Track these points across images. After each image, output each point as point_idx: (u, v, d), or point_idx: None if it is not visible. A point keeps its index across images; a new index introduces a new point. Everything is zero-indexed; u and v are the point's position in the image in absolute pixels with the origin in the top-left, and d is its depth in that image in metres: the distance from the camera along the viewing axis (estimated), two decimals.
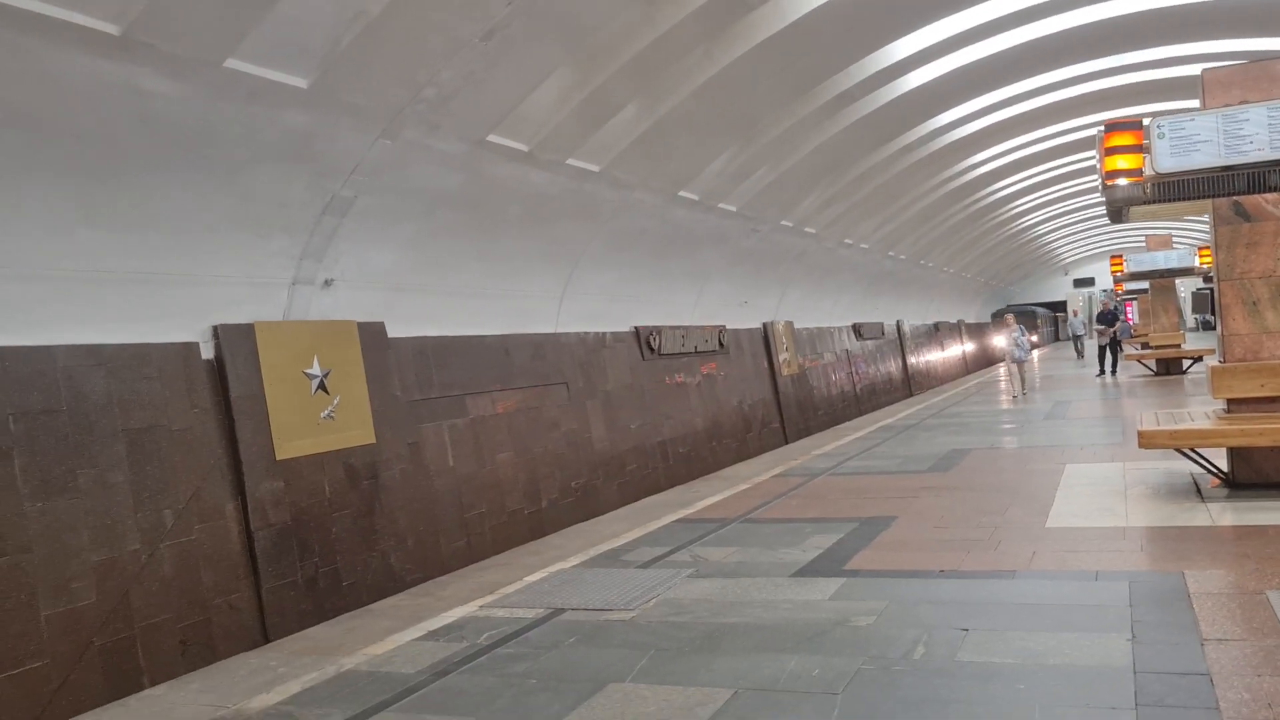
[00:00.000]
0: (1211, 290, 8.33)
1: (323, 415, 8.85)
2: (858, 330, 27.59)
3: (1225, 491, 8.24)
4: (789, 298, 21.94)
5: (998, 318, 47.91)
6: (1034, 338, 42.14)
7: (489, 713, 4.60)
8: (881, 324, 30.22)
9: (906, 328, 33.37)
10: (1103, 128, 7.48)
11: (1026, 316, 47.06)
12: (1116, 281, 27.48)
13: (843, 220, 21.07)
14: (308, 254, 8.81)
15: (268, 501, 8.23)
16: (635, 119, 11.46)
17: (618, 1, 9.14)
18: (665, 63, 10.63)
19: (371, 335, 9.62)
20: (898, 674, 4.63)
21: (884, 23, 12.52)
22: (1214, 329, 8.88)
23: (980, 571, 6.46)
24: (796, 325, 22.51)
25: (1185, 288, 52.25)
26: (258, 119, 7.46)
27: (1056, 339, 61.71)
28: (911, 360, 33.31)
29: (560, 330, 13.31)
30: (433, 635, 6.06)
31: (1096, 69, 17.21)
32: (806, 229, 19.77)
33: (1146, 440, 8.14)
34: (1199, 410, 9.13)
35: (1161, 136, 7.14)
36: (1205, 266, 21.73)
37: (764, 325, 20.78)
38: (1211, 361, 8.72)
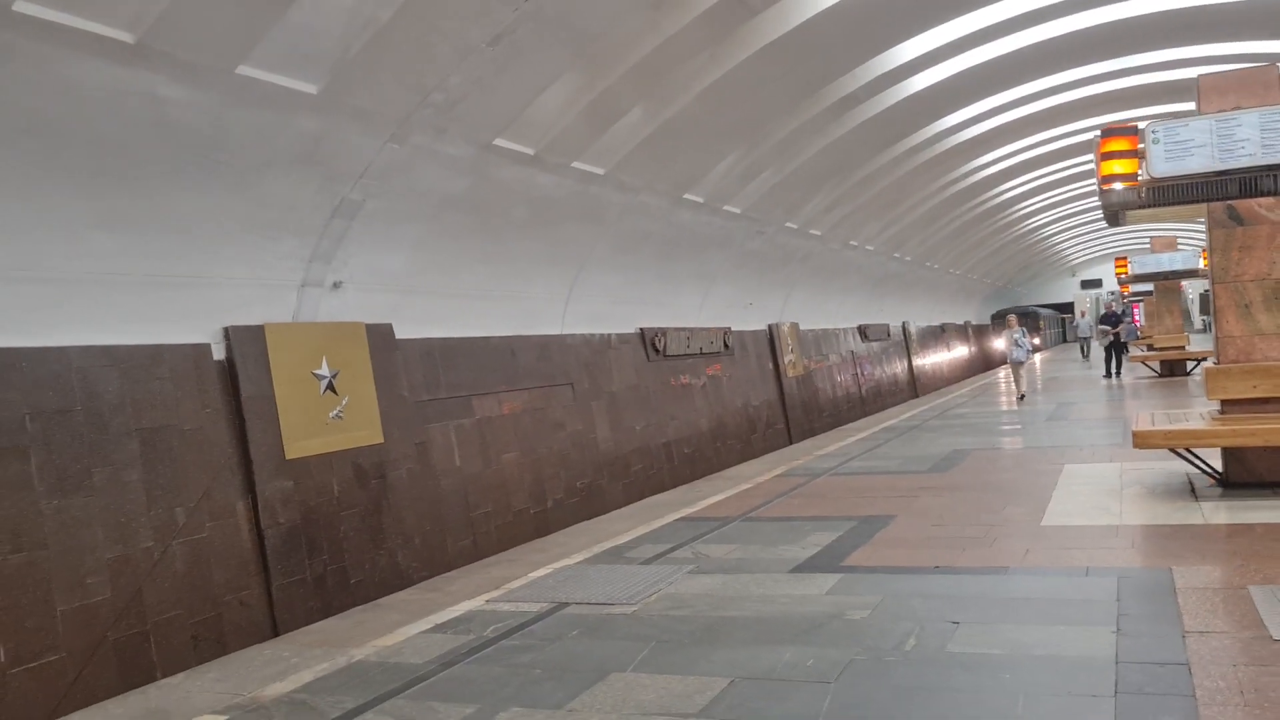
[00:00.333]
0: None
1: (331, 415, 8.99)
2: (863, 332, 27.68)
3: (1219, 491, 8.36)
4: (794, 299, 22.05)
5: (998, 319, 47.73)
6: (1036, 340, 41.97)
7: (495, 700, 4.75)
8: (887, 325, 30.29)
9: (913, 329, 33.43)
10: (1099, 133, 7.62)
11: (1028, 318, 46.93)
12: (1122, 284, 27.48)
13: (848, 222, 21.17)
14: (317, 256, 8.96)
15: (277, 500, 8.38)
16: (641, 122, 11.60)
17: (623, 7, 9.28)
18: (670, 67, 10.77)
19: (379, 336, 9.76)
20: (889, 664, 4.77)
21: (888, 26, 12.63)
22: None
23: (974, 567, 6.59)
24: (802, 327, 22.61)
25: (1193, 289, 52.15)
26: (269, 124, 7.62)
27: (1064, 340, 61.64)
28: (917, 362, 33.38)
29: (566, 332, 13.44)
30: (440, 628, 6.20)
31: (1102, 71, 17.30)
32: (812, 231, 19.89)
33: (1141, 440, 8.26)
34: (1195, 411, 9.25)
35: (1156, 141, 7.28)
36: (1208, 269, 21.74)
37: (769, 327, 20.89)
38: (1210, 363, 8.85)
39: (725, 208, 15.67)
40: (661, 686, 4.75)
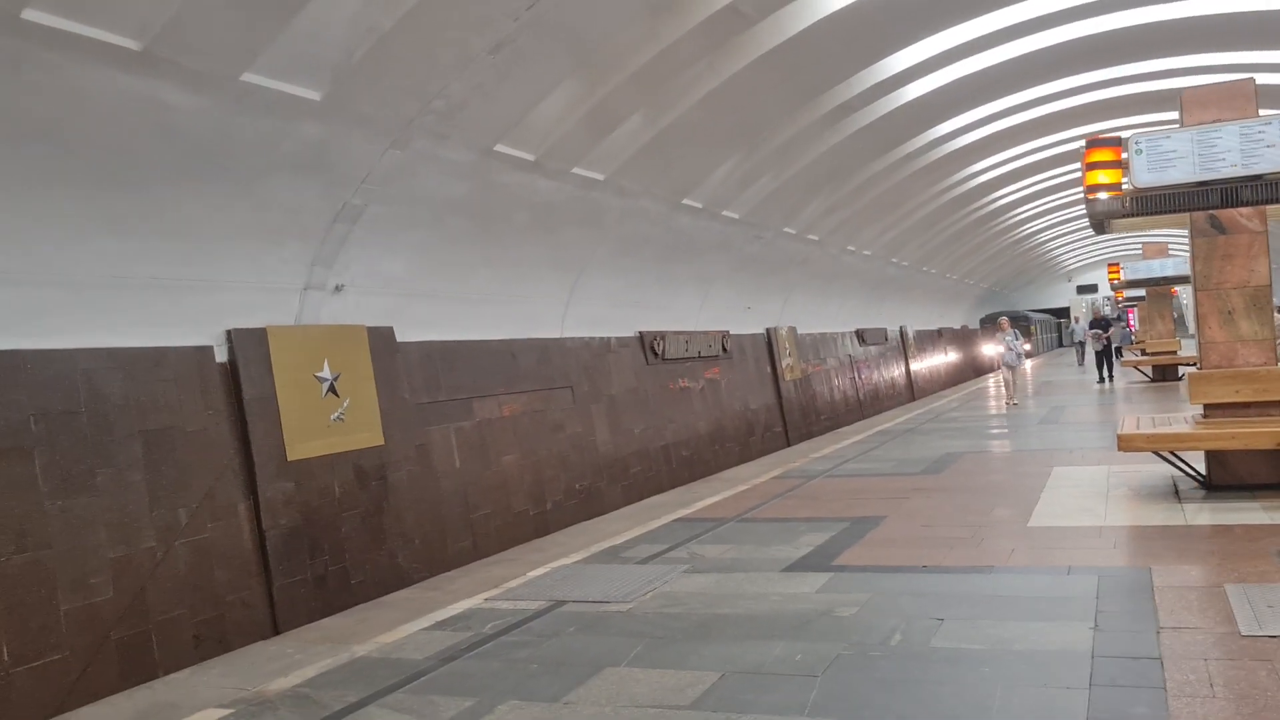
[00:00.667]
0: None
1: (333, 417, 9.08)
2: (861, 336, 27.79)
3: (1202, 493, 8.52)
4: (792, 303, 22.17)
5: (988, 324, 47.60)
6: (1026, 345, 42.02)
7: (494, 693, 4.91)
8: (885, 329, 30.40)
9: (910, 333, 33.56)
10: (1084, 143, 7.79)
11: (1018, 322, 46.81)
12: (1115, 289, 27.62)
13: (845, 227, 21.30)
14: (319, 260, 9.06)
15: (279, 501, 8.46)
16: (640, 129, 11.72)
17: (623, 16, 9.40)
18: (669, 74, 10.88)
19: (381, 339, 9.87)
20: (874, 658, 4.94)
21: (881, 37, 12.76)
22: None
23: (960, 567, 6.75)
24: (800, 331, 22.72)
25: (1187, 295, 52.27)
26: (273, 130, 7.72)
27: (1060, 345, 61.75)
28: (914, 365, 33.51)
29: (566, 335, 13.54)
30: (440, 625, 6.35)
31: (1091, 81, 17.45)
32: (809, 236, 20.02)
33: (1125, 444, 8.42)
34: (1181, 415, 9.41)
35: (1139, 153, 7.44)
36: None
37: (767, 330, 21.01)
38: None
39: (724, 213, 15.79)
40: (654, 680, 4.91)
